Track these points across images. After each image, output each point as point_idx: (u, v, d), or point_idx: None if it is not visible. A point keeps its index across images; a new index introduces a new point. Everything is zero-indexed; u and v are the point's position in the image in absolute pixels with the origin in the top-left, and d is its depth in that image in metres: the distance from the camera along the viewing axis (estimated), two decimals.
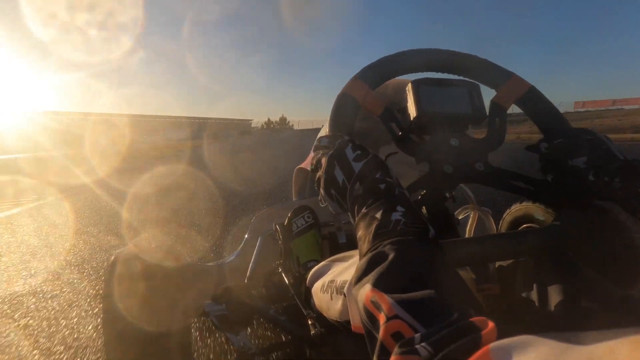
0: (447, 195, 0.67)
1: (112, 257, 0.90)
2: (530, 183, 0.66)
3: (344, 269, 0.68)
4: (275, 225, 1.09)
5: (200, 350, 1.22)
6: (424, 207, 0.68)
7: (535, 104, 0.70)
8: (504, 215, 1.08)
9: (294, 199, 1.47)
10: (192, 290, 1.07)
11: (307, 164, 1.31)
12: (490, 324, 0.26)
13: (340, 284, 0.64)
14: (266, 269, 1.21)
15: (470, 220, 1.00)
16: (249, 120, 71.73)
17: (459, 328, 0.27)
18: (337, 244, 1.17)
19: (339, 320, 0.64)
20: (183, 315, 0.89)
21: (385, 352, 0.29)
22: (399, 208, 0.44)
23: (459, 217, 0.88)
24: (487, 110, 0.68)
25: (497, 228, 1.01)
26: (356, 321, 0.51)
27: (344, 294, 0.56)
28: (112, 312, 0.78)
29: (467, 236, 0.91)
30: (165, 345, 0.80)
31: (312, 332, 0.81)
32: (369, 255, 0.39)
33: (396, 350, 0.28)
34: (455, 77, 0.73)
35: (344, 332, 0.61)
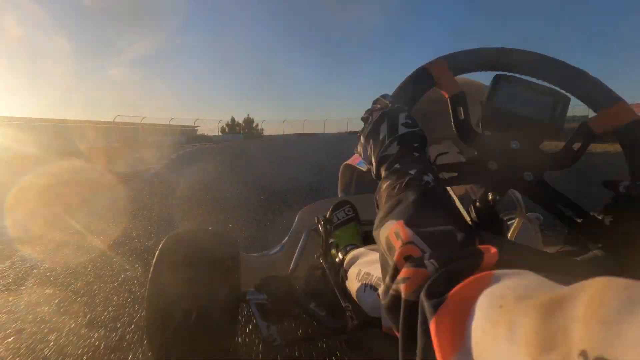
0: (490, 197, 0.62)
1: (163, 240, 0.96)
2: (579, 214, 0.59)
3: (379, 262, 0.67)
4: (317, 218, 1.12)
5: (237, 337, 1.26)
6: (472, 205, 0.64)
7: (635, 139, 0.61)
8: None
9: (339, 195, 1.47)
10: (235, 278, 1.11)
11: (353, 160, 1.30)
12: (493, 249, 0.29)
13: (375, 280, 0.63)
14: (309, 262, 1.23)
15: (515, 225, 0.94)
16: (194, 127, 48.79)
17: (464, 251, 0.31)
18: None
19: (370, 314, 0.64)
20: (225, 301, 0.92)
21: (397, 273, 0.32)
22: (429, 174, 0.46)
23: (508, 223, 0.82)
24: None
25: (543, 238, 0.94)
26: (387, 323, 0.50)
27: (379, 295, 0.57)
28: (157, 293, 0.83)
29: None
30: (205, 330, 0.83)
31: (350, 324, 0.81)
32: (397, 197, 0.43)
33: (406, 265, 0.31)
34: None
35: (378, 328, 0.60)
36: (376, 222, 0.43)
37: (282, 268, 1.21)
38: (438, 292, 0.26)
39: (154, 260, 0.90)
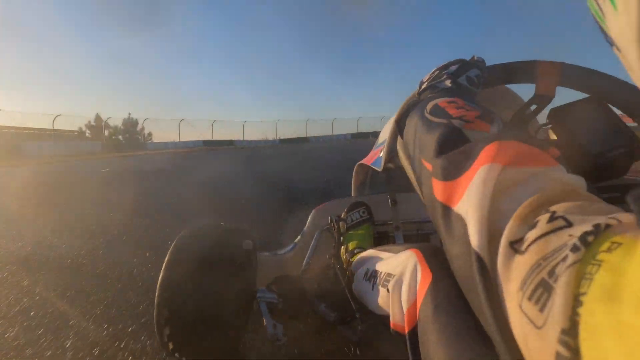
0: None
1: (177, 237, 0.96)
2: None
3: (390, 261, 0.67)
4: (330, 218, 1.11)
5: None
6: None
7: None
8: None
9: (352, 195, 1.45)
10: (246, 276, 1.10)
11: (367, 160, 1.28)
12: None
13: (384, 277, 0.63)
14: (321, 262, 1.22)
15: None
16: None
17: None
18: (392, 242, 1.14)
19: (377, 313, 0.63)
20: (235, 298, 0.92)
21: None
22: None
23: None
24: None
25: None
26: (396, 319, 0.50)
27: (388, 289, 0.58)
28: (169, 289, 0.83)
29: None
30: (215, 326, 0.83)
31: (359, 327, 0.80)
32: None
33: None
34: None
35: (387, 327, 0.59)
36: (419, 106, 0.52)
37: (294, 267, 1.20)
38: None
39: (168, 254, 0.90)
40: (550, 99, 0.66)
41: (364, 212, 1.07)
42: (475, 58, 0.64)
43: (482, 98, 0.68)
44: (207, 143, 35.87)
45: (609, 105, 0.63)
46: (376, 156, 0.95)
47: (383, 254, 0.78)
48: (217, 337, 0.85)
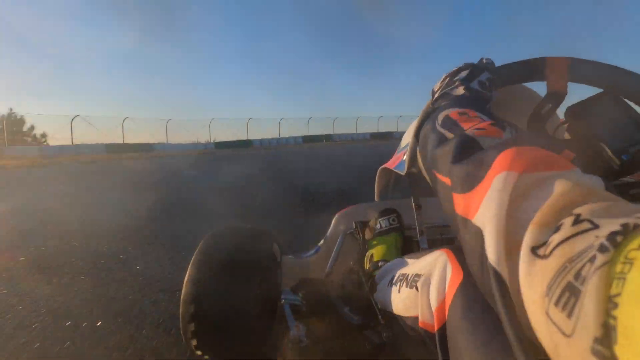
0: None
1: (204, 238, 0.99)
2: None
3: (418, 262, 0.67)
4: (355, 223, 1.10)
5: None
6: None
7: None
8: None
9: (376, 199, 1.45)
10: (271, 278, 1.12)
11: (391, 164, 1.27)
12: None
13: (412, 278, 0.62)
14: (345, 266, 1.22)
15: None
16: None
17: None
18: (415, 248, 1.13)
19: (403, 315, 0.62)
20: (260, 299, 0.93)
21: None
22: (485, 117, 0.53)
23: None
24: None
25: None
26: (425, 318, 0.50)
27: (416, 288, 0.57)
28: (193, 289, 0.86)
29: None
30: (238, 327, 0.85)
31: (383, 334, 0.80)
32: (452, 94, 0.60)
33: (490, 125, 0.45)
34: None
35: (412, 336, 0.58)
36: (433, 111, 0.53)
37: (318, 270, 1.21)
38: None
39: (195, 254, 0.93)
40: (563, 95, 0.65)
41: (394, 220, 1.03)
42: (485, 61, 0.63)
43: (498, 98, 0.68)
44: (112, 148, 25.86)
45: (624, 98, 0.62)
46: (399, 160, 0.95)
47: (409, 260, 0.78)
48: (241, 337, 0.86)
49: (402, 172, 0.88)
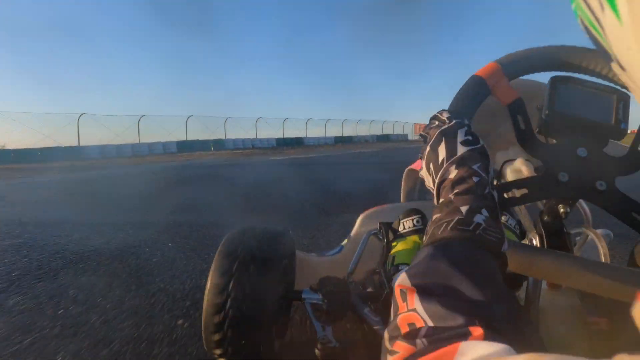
0: (562, 209, 0.60)
1: (225, 237, 1.02)
2: None
3: None
4: (380, 224, 1.10)
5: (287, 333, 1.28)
6: (539, 218, 0.60)
7: None
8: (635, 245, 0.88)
9: (401, 200, 1.43)
10: (292, 276, 1.13)
11: (417, 165, 1.26)
12: (479, 332, 0.29)
13: None
14: (367, 267, 1.22)
15: (580, 241, 0.86)
16: None
17: (456, 333, 0.30)
18: None
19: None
20: (281, 298, 0.95)
21: (396, 332, 0.34)
22: (483, 211, 0.43)
23: (575, 238, 0.76)
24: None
25: (612, 255, 0.86)
26: None
27: None
28: (216, 286, 0.88)
29: None
30: (256, 321, 0.86)
31: None
32: (437, 244, 0.41)
33: (401, 336, 0.33)
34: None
35: None
36: (412, 261, 0.42)
37: (340, 270, 1.21)
38: None
39: (216, 254, 0.95)
40: (520, 99, 0.62)
41: (418, 222, 1.01)
42: (443, 116, 0.56)
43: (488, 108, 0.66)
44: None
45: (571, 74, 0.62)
46: None
47: None
48: (255, 336, 0.87)
49: None
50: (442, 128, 0.54)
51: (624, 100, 0.59)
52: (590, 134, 0.59)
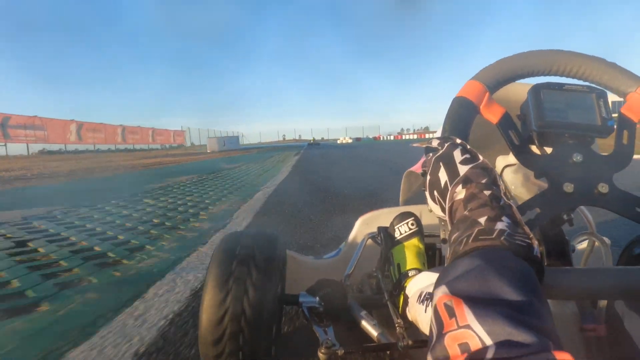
0: (565, 217, 0.60)
1: (220, 240, 1.00)
2: None
3: None
4: (378, 229, 1.09)
5: (285, 337, 1.27)
6: (537, 227, 0.60)
7: None
8: (625, 247, 0.90)
9: (400, 203, 1.42)
10: (288, 279, 1.12)
11: (416, 168, 1.25)
12: (566, 357, 0.25)
13: None
14: (365, 271, 1.21)
15: (586, 249, 0.85)
16: None
17: (530, 352, 0.25)
18: (438, 256, 1.10)
19: (429, 335, 0.61)
20: (277, 301, 0.93)
21: (443, 353, 0.29)
22: (504, 218, 0.40)
23: (576, 244, 0.75)
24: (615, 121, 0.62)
25: (615, 261, 0.87)
26: None
27: None
28: (213, 288, 0.86)
29: (581, 266, 0.79)
30: (253, 327, 0.85)
31: (400, 343, 0.78)
32: (463, 259, 0.38)
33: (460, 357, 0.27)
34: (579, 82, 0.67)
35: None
36: (439, 279, 0.38)
37: (338, 273, 1.20)
38: None
39: (210, 260, 0.93)
40: (507, 113, 0.63)
41: (412, 224, 1.00)
42: (435, 144, 0.56)
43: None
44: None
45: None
46: None
47: (437, 276, 0.76)
48: (250, 340, 0.85)
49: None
50: (437, 155, 0.53)
51: (603, 97, 0.61)
52: (580, 137, 0.60)
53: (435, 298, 0.34)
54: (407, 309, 0.81)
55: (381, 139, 77.64)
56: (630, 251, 0.89)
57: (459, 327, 0.29)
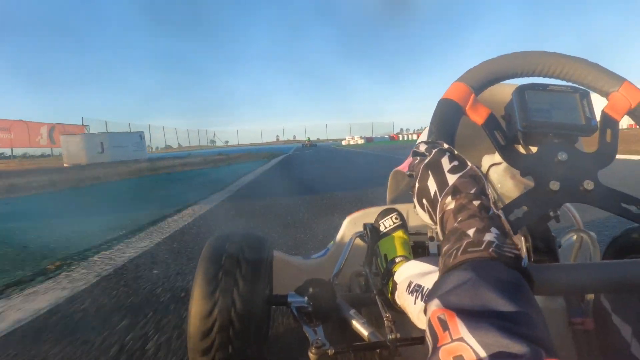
0: (551, 214, 0.60)
1: (207, 242, 0.99)
2: None
3: (432, 276, 0.66)
4: (364, 225, 1.10)
5: (274, 338, 1.27)
6: (525, 225, 0.61)
7: None
8: (610, 242, 0.94)
9: (387, 202, 1.43)
10: (276, 279, 1.11)
11: (404, 167, 1.25)
12: None
13: (427, 292, 0.61)
14: (353, 269, 1.21)
15: (574, 245, 0.87)
16: None
17: None
18: (425, 254, 1.11)
19: (418, 326, 0.61)
20: (265, 302, 0.93)
21: None
22: (492, 229, 0.41)
23: (563, 241, 0.77)
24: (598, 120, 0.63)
25: (602, 255, 0.89)
26: None
27: None
28: (200, 292, 0.85)
29: (570, 262, 0.80)
30: (243, 329, 0.84)
31: (388, 336, 0.78)
32: (453, 272, 0.38)
33: None
34: (562, 82, 0.68)
35: (418, 342, 0.58)
36: (430, 292, 0.38)
37: (326, 273, 1.20)
38: None
39: (199, 262, 0.92)
40: (492, 114, 0.64)
41: (396, 218, 1.04)
42: (422, 148, 0.56)
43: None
44: None
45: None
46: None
47: (426, 267, 0.77)
48: (240, 342, 0.84)
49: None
50: (425, 162, 0.53)
51: (586, 97, 0.62)
52: (565, 136, 0.61)
53: (429, 312, 0.34)
54: (396, 295, 0.82)
55: (399, 138, 56.67)
56: (616, 245, 0.92)
57: (453, 340, 0.29)
